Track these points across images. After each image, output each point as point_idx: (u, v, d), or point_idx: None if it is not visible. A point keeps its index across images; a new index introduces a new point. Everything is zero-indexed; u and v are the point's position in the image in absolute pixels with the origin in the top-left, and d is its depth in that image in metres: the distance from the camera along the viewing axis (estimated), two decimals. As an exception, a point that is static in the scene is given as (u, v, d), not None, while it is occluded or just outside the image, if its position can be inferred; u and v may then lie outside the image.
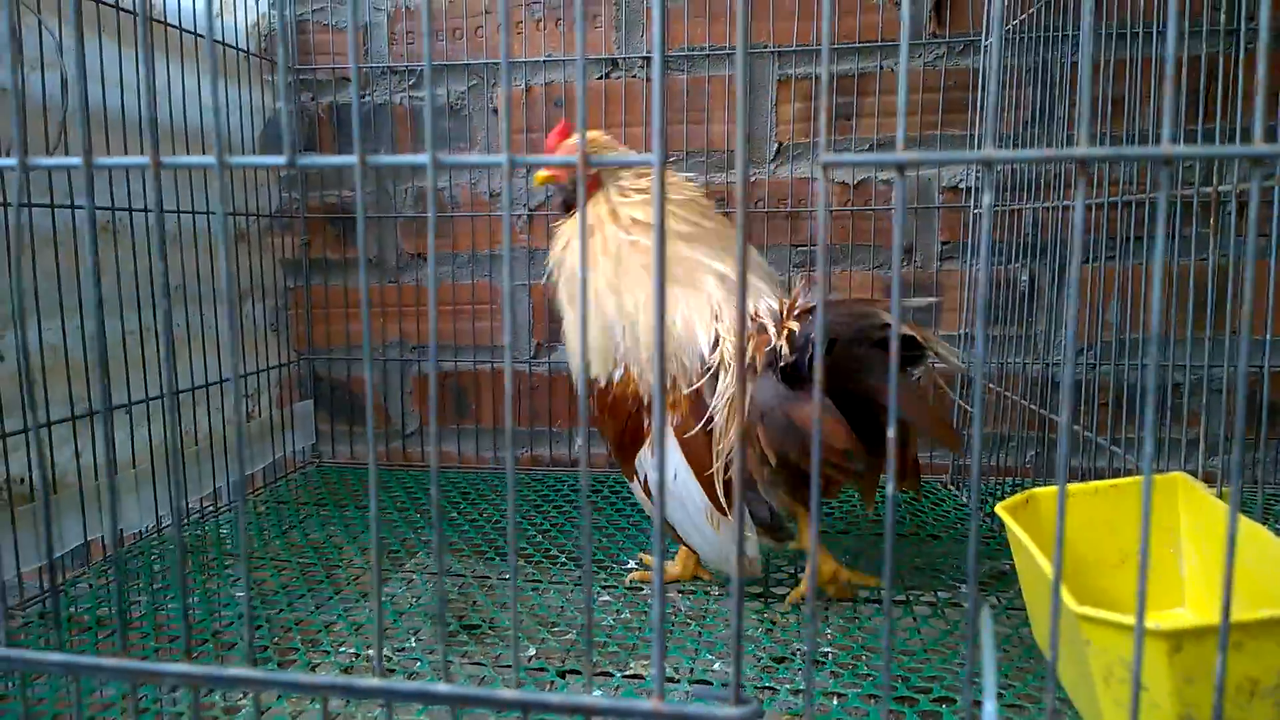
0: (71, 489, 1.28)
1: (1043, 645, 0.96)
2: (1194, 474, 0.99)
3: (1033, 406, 1.44)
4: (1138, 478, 0.97)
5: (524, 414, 1.87)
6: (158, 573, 1.33)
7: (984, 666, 0.47)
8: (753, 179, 1.76)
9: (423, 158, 0.47)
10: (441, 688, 0.52)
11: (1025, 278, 1.61)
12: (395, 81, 1.86)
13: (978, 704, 0.44)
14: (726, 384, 1.09)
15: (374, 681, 0.52)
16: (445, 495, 1.72)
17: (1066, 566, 0.87)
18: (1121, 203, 1.54)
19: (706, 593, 1.26)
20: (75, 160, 0.52)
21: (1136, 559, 0.95)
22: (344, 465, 1.95)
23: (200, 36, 1.52)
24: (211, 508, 1.61)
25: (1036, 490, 0.94)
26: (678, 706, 0.51)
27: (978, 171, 1.66)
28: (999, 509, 0.89)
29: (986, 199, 0.44)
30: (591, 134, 1.16)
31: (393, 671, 1.04)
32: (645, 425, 1.18)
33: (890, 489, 0.47)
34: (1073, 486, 0.93)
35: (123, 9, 1.36)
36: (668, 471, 1.15)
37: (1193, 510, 0.93)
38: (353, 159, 0.49)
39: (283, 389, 1.88)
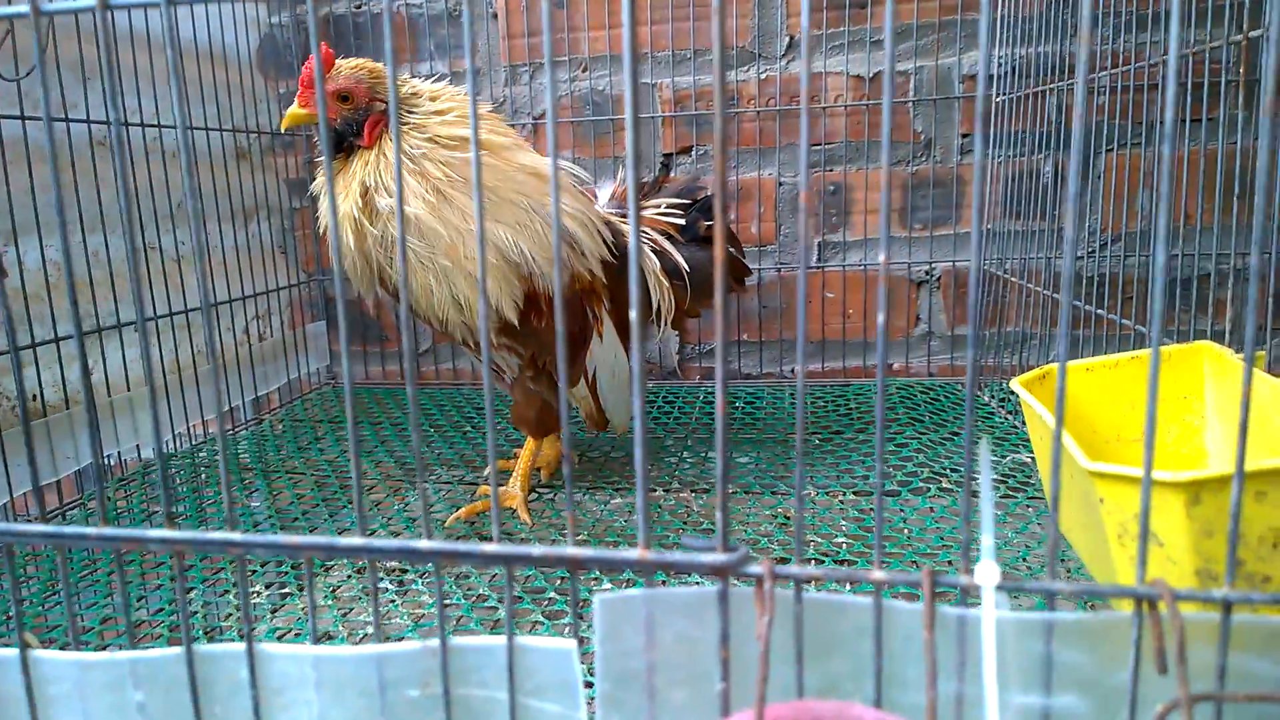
0: (83, 405, 1.28)
1: (1060, 521, 0.93)
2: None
3: (1053, 295, 1.39)
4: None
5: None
6: (176, 486, 1.34)
7: (981, 495, 0.45)
8: (764, 75, 1.69)
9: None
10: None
11: (1049, 169, 1.54)
12: (392, -8, 1.81)
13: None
14: (653, 261, 1.30)
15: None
16: (461, 411, 1.72)
17: (1085, 441, 0.84)
18: (1149, 85, 1.47)
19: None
20: (23, 8, 0.50)
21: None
22: (359, 385, 1.95)
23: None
24: (228, 427, 1.62)
25: (1052, 366, 0.90)
26: (662, 554, 0.50)
27: (998, 59, 1.58)
28: (1014, 382, 0.85)
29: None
30: (366, 63, 1.06)
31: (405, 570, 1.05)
32: (591, 317, 1.19)
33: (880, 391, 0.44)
34: (1091, 360, 0.89)
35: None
36: (608, 351, 1.23)
37: (1219, 378, 0.89)
38: None
39: (294, 310, 1.87)
